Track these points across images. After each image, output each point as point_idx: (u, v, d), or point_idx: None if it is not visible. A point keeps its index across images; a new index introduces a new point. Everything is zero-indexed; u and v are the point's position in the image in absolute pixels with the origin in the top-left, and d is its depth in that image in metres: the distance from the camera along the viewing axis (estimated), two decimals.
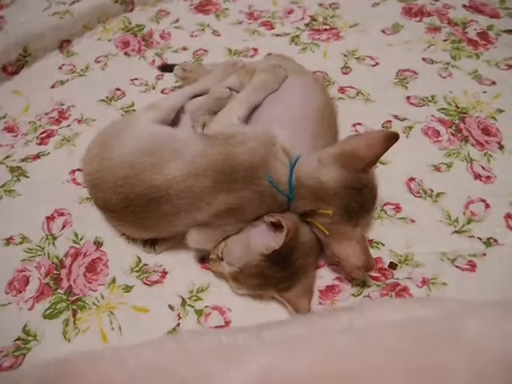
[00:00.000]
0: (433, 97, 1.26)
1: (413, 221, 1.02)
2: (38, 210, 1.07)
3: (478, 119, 1.20)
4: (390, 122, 1.20)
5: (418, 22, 1.50)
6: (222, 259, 0.90)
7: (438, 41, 1.43)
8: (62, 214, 1.06)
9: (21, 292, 0.95)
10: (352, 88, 1.30)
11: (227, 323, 0.89)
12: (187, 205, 0.86)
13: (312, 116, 1.04)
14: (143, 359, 0.69)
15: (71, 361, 0.69)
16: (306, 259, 0.88)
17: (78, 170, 1.13)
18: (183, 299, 0.93)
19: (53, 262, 0.99)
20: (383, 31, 1.48)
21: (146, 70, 1.40)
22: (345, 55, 1.41)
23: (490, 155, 1.12)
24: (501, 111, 1.21)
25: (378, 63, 1.37)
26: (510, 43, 1.41)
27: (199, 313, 0.91)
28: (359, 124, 1.20)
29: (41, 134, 1.23)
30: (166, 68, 1.39)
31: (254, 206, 0.86)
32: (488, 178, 1.08)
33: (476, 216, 1.01)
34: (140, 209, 0.89)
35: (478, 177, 1.08)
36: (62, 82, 1.36)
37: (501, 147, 1.14)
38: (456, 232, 0.99)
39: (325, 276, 0.95)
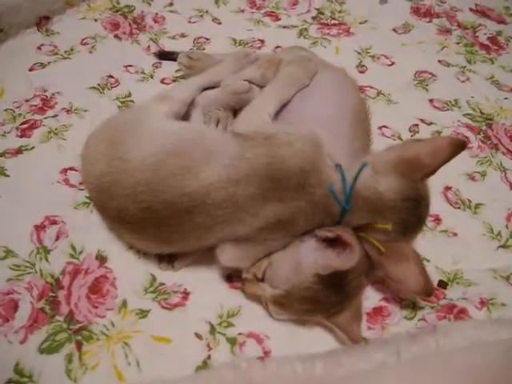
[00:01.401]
0: (456, 101, 1.20)
1: (455, 234, 0.94)
2: (24, 216, 0.88)
3: (504, 126, 1.15)
4: (417, 125, 1.13)
5: (428, 22, 1.45)
6: (262, 280, 0.77)
7: (451, 43, 1.38)
8: (54, 222, 0.88)
9: (8, 320, 0.76)
10: (372, 88, 1.21)
11: (266, 353, 0.76)
12: (226, 216, 0.72)
13: (348, 116, 0.93)
14: None
15: None
16: (358, 280, 0.77)
17: (72, 168, 0.95)
18: (212, 326, 0.79)
19: (47, 282, 0.81)
20: (394, 30, 1.41)
21: (140, 56, 1.24)
22: (358, 53, 1.32)
23: None
24: None
25: (393, 63, 1.30)
26: None
27: (232, 341, 0.78)
28: (385, 127, 1.11)
29: (21, 124, 1.02)
30: (165, 55, 1.23)
31: (307, 219, 0.73)
32: None
33: None
34: (167, 220, 0.74)
35: None
36: (43, 65, 1.16)
37: None
38: (501, 247, 0.93)
39: (371, 297, 0.84)
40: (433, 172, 0.78)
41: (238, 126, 0.88)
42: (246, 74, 1.04)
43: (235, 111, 1.06)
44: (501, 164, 1.07)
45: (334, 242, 0.73)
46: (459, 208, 0.98)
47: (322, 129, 0.88)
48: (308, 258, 0.73)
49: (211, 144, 0.78)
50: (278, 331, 0.79)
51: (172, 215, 0.73)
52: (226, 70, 1.08)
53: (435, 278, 0.87)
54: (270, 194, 0.72)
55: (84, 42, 1.23)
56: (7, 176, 0.94)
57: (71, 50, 1.21)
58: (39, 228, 0.87)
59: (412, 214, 0.77)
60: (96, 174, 0.81)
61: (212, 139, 0.79)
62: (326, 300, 0.74)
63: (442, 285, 0.86)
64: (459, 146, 0.76)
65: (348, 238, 0.69)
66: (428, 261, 0.89)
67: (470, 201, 1.00)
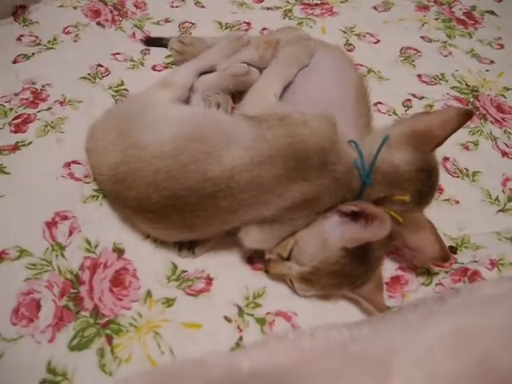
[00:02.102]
0: (442, 75, 1.24)
1: (457, 202, 0.98)
2: (33, 214, 0.85)
3: (489, 97, 1.20)
4: (409, 100, 1.16)
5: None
6: (288, 258, 0.78)
7: (430, 19, 1.42)
8: (65, 218, 0.85)
9: (33, 321, 0.74)
10: (362, 66, 1.23)
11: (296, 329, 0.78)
12: (252, 198, 0.73)
13: (351, 93, 0.95)
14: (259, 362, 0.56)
15: (172, 372, 0.54)
16: (380, 251, 0.80)
17: (75, 162, 0.92)
18: (239, 308, 0.79)
19: (67, 279, 0.79)
20: (375, 8, 1.43)
21: (127, 43, 1.20)
22: (344, 32, 1.33)
23: (510, 132, 1.13)
24: (508, 89, 1.23)
25: (379, 40, 1.32)
26: (494, 23, 1.44)
27: (261, 321, 0.78)
28: (380, 103, 1.14)
29: (14, 119, 0.98)
30: (153, 42, 1.20)
31: (331, 196, 0.74)
32: None
33: None
34: (191, 207, 0.73)
35: (505, 154, 1.08)
36: (27, 56, 1.11)
37: None
38: (501, 211, 0.98)
39: (387, 267, 0.87)
40: (442, 143, 0.80)
41: (245, 109, 0.88)
42: (243, 56, 1.03)
43: (233, 95, 1.07)
44: (491, 133, 1.12)
45: (356, 216, 0.75)
46: (458, 177, 1.02)
47: (328, 107, 0.89)
48: (334, 233, 0.75)
49: (229, 128, 0.77)
50: (304, 307, 0.80)
51: (196, 201, 0.73)
52: (219, 53, 1.06)
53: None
54: (295, 173, 0.72)
55: (66, 30, 1.18)
56: (7, 174, 0.89)
57: (54, 39, 1.16)
58: (50, 225, 0.84)
59: (426, 184, 0.80)
60: (109, 164, 0.79)
61: (228, 123, 0.79)
62: (352, 272, 0.76)
63: (452, 250, 0.90)
64: (466, 115, 0.78)
65: (375, 211, 0.70)
66: (436, 229, 0.93)
67: (467, 169, 1.04)
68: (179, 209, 0.74)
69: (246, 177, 0.72)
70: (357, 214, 0.75)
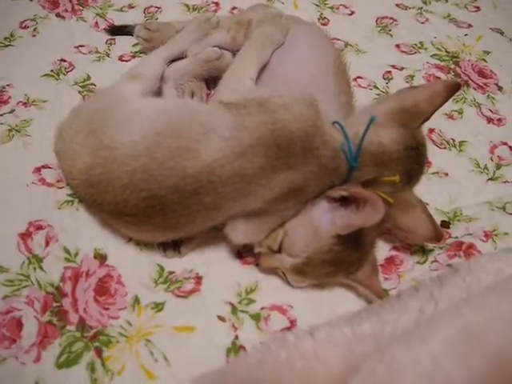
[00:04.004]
0: (421, 43, 1.21)
1: (446, 174, 0.96)
2: (5, 226, 0.80)
3: (470, 62, 1.17)
4: (389, 72, 1.12)
5: None
6: (279, 251, 0.74)
7: None
8: (40, 228, 0.80)
9: (15, 341, 0.69)
10: (338, 40, 1.18)
11: (292, 322, 0.75)
12: (236, 191, 0.69)
13: (330, 70, 0.91)
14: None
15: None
16: (373, 234, 0.77)
17: (45, 166, 0.87)
18: (233, 305, 0.76)
19: (47, 292, 0.74)
20: None
21: (90, 34, 1.14)
22: (317, 5, 1.28)
23: (493, 97, 1.11)
24: (488, 52, 1.20)
25: (353, 12, 1.28)
26: None
27: (256, 317, 0.76)
28: (360, 78, 1.10)
29: None
30: (117, 30, 1.14)
31: (318, 182, 0.71)
32: (499, 120, 1.06)
33: (504, 160, 0.99)
34: (172, 206, 0.69)
35: (490, 120, 1.06)
36: None
37: (500, 88, 1.13)
38: (490, 179, 0.96)
39: (381, 248, 0.84)
40: (429, 118, 0.77)
41: (221, 95, 0.83)
42: (214, 40, 0.98)
43: (207, 81, 1.02)
44: (474, 100, 1.09)
45: (345, 201, 0.72)
46: (445, 148, 1.00)
47: (308, 86, 0.85)
48: (324, 221, 0.72)
49: (205, 118, 0.72)
50: (299, 299, 0.78)
51: (178, 200, 0.69)
52: (189, 37, 1.01)
53: (437, 219, 0.88)
54: (279, 162, 0.68)
55: (24, 25, 1.11)
56: None
57: (11, 35, 1.08)
58: (25, 236, 0.79)
59: (415, 162, 0.77)
60: (81, 167, 0.74)
61: (205, 112, 0.74)
62: (346, 259, 0.73)
63: (445, 225, 0.88)
64: (454, 87, 0.75)
65: (366, 194, 0.67)
66: (427, 204, 0.90)
67: (453, 140, 1.01)
68: (160, 209, 0.70)
69: (228, 170, 0.68)
70: (346, 199, 0.71)
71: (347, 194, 0.70)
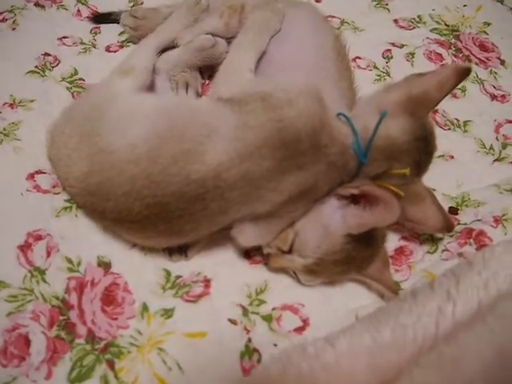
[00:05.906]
0: (419, 17, 1.16)
1: (452, 157, 0.94)
2: (2, 239, 0.77)
3: (471, 36, 1.13)
4: (389, 50, 1.09)
5: None
6: (290, 251, 0.73)
7: None
8: (39, 238, 0.77)
9: (24, 359, 0.68)
10: (334, 17, 1.13)
11: (305, 321, 0.74)
12: (243, 196, 0.66)
13: (330, 56, 0.87)
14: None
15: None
16: (384, 228, 0.75)
17: (39, 172, 0.83)
18: (243, 307, 0.75)
19: (53, 305, 0.72)
20: None
21: (72, 23, 1.07)
22: None
23: (496, 72, 1.08)
24: (488, 24, 1.16)
25: None
26: None
27: (268, 318, 0.74)
28: (359, 58, 1.06)
29: None
30: (102, 18, 1.08)
31: (327, 181, 0.69)
32: (503, 96, 1.04)
33: (510, 139, 0.97)
34: (177, 213, 0.66)
35: (494, 97, 1.03)
36: None
37: (502, 62, 1.10)
38: (497, 160, 0.94)
39: (390, 239, 0.82)
40: (437, 104, 0.75)
41: (220, 90, 0.79)
42: (207, 27, 0.93)
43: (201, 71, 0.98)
44: (477, 76, 1.06)
45: (356, 198, 0.69)
46: (449, 129, 0.98)
47: (308, 74, 0.82)
48: (334, 219, 0.70)
49: (207, 117, 0.69)
50: (310, 297, 0.76)
51: (183, 206, 0.66)
52: (178, 23, 0.96)
53: (445, 206, 0.86)
54: (288, 163, 0.65)
55: (1, 18, 1.04)
56: None
57: None
58: (24, 248, 0.76)
59: (424, 152, 0.75)
60: (78, 175, 0.71)
61: (206, 111, 0.70)
62: (358, 256, 0.72)
63: (453, 211, 0.86)
64: (464, 72, 0.71)
65: (379, 193, 0.65)
66: (434, 190, 0.88)
67: (457, 120, 0.99)
68: (165, 216, 0.67)
69: (234, 173, 0.65)
70: (356, 196, 0.69)
71: (358, 193, 0.68)
